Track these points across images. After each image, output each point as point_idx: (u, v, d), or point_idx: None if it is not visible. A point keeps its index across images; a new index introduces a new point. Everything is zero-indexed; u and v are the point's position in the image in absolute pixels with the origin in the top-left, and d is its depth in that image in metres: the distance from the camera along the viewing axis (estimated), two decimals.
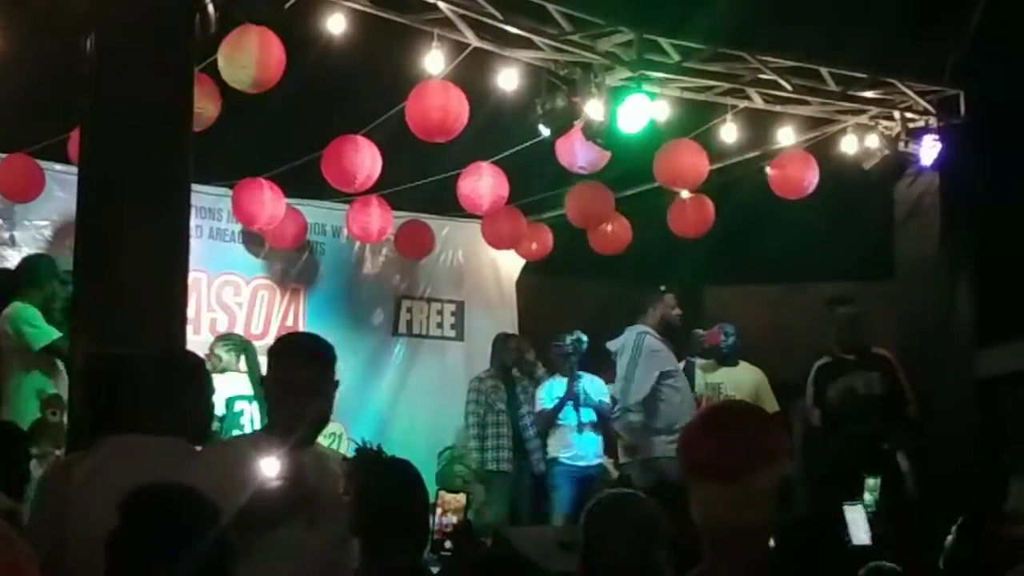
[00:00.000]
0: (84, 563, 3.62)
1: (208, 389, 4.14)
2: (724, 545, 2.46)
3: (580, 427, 8.99)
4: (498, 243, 9.95)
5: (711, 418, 2.61)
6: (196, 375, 4.12)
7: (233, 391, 7.94)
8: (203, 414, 4.08)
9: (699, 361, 9.13)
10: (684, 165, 8.62)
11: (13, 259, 8.22)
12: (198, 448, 3.99)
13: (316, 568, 3.69)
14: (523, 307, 10.47)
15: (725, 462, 2.46)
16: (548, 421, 9.05)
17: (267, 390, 3.88)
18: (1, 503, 4.43)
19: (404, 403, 9.88)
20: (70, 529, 3.70)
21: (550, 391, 9.15)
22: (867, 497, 6.79)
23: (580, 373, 9.04)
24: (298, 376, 3.76)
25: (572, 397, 8.97)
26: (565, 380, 9.10)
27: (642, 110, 7.83)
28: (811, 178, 8.95)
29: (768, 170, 9.19)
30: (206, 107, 7.22)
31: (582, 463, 9.00)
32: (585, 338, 9.02)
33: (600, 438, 9.10)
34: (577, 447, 9.01)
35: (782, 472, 2.46)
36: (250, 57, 7.02)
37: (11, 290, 7.39)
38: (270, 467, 3.58)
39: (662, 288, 8.63)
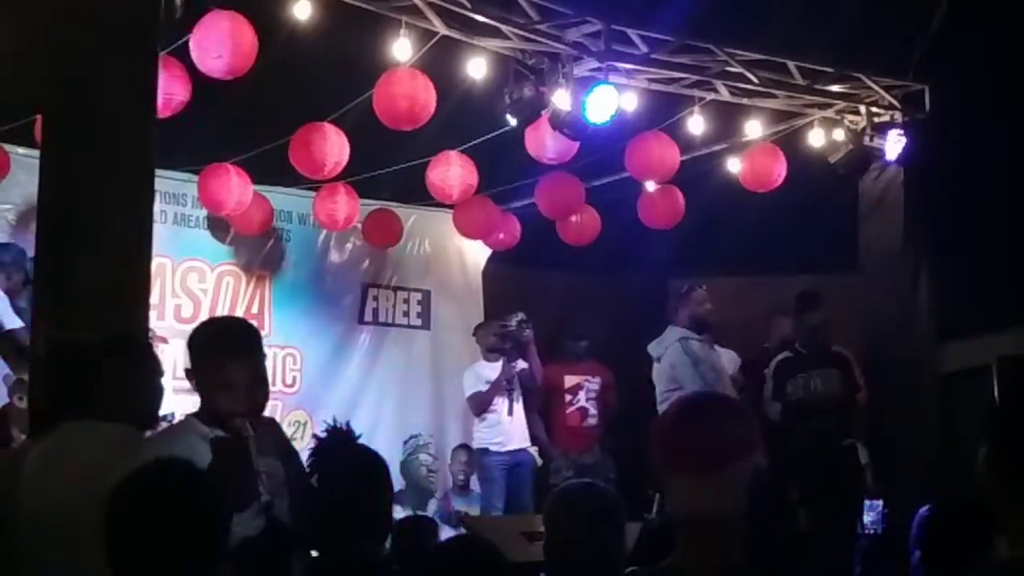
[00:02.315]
0: (35, 550, 3.61)
1: (157, 373, 4.11)
2: (698, 536, 2.47)
3: (511, 411, 9.03)
4: (470, 232, 9.93)
5: (687, 409, 2.60)
6: (144, 359, 4.09)
7: None
8: (152, 399, 4.05)
9: None
10: (655, 157, 8.63)
11: None
12: (147, 435, 3.98)
13: None
14: (489, 297, 10.47)
15: (703, 454, 2.47)
16: (485, 404, 9.07)
17: (198, 382, 3.79)
18: None
19: (369, 391, 9.87)
20: (22, 516, 3.67)
21: (476, 374, 9.18)
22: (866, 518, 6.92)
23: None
24: (234, 373, 3.70)
25: (509, 379, 9.00)
26: (490, 363, 9.17)
27: (609, 101, 7.84)
28: (779, 171, 8.99)
29: (736, 163, 9.23)
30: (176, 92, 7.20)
31: (512, 447, 9.05)
32: (527, 318, 9.06)
33: (525, 423, 9.17)
34: (506, 432, 9.05)
35: (754, 463, 2.47)
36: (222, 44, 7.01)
37: None
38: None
39: (686, 287, 8.57)
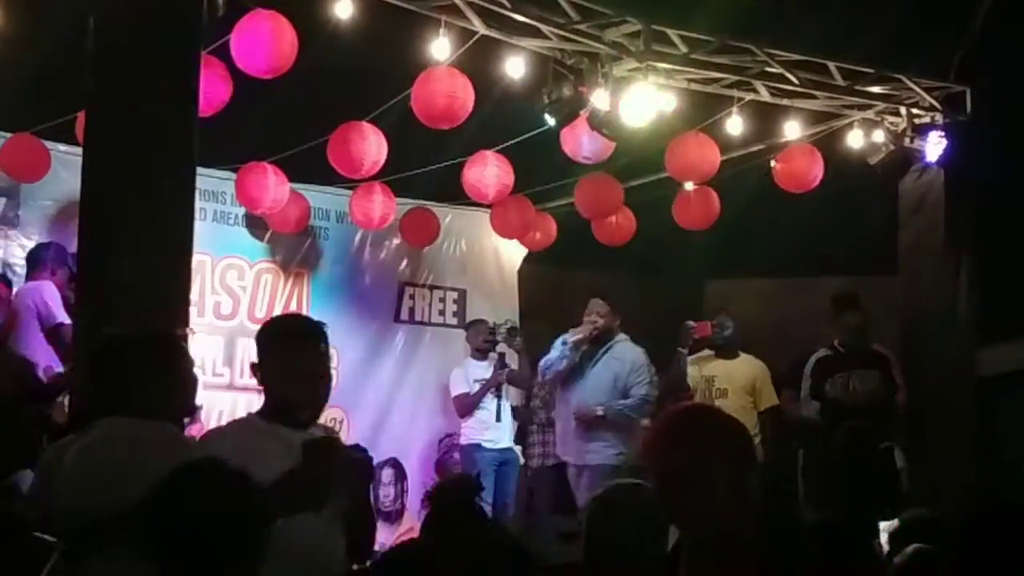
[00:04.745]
0: (76, 544, 3.64)
1: (191, 366, 4.15)
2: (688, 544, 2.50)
3: (499, 415, 9.09)
4: (506, 232, 9.94)
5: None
6: (179, 354, 4.13)
7: None
8: (188, 393, 4.09)
9: (703, 352, 9.20)
10: (695, 158, 8.59)
11: (18, 239, 8.29)
12: (185, 427, 4.03)
13: (317, 549, 3.72)
14: (525, 296, 10.48)
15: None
16: (471, 406, 9.13)
17: (267, 375, 3.85)
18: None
19: (405, 389, 9.90)
20: (63, 511, 3.71)
21: (465, 374, 9.25)
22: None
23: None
24: (307, 361, 3.79)
25: (497, 384, 9.05)
26: (479, 362, 9.25)
27: (649, 101, 7.82)
28: (816, 172, 8.93)
29: (773, 163, 9.18)
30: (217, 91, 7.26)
31: (501, 446, 9.13)
32: (517, 326, 9.18)
33: (511, 425, 9.27)
34: (496, 431, 9.11)
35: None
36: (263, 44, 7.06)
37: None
38: (276, 453, 3.59)
39: None
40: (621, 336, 8.36)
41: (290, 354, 3.82)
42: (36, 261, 7.73)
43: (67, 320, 7.13)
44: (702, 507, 2.44)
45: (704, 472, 2.43)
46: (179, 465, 2.96)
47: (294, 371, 3.78)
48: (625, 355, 8.27)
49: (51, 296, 7.40)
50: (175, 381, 4.01)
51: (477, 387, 9.13)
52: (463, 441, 9.18)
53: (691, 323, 9.11)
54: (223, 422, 5.04)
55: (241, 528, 2.76)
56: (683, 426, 2.57)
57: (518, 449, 9.32)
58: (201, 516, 2.73)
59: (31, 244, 8.15)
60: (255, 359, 3.94)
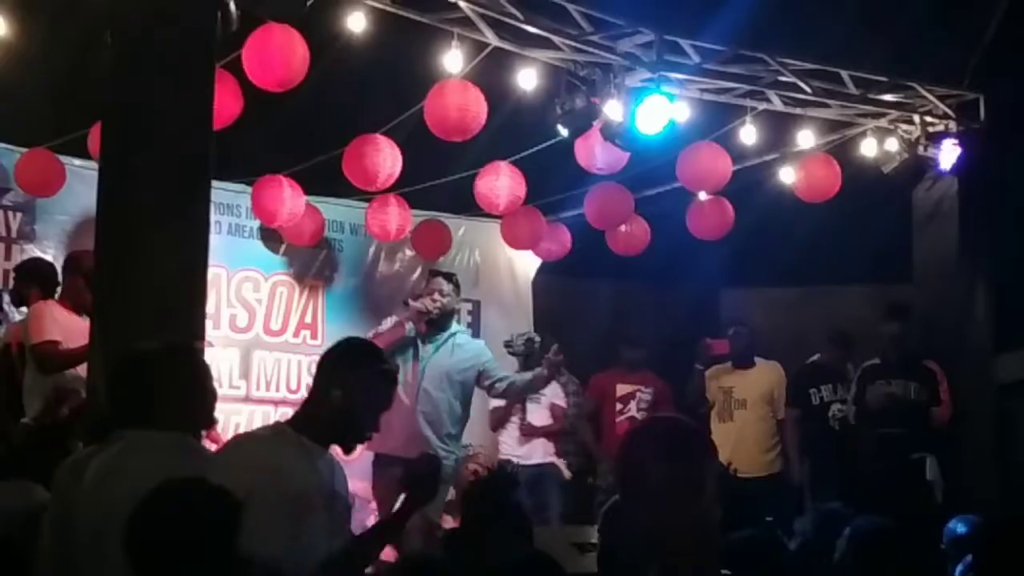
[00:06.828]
0: (94, 558, 3.64)
1: (209, 379, 4.15)
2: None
3: (522, 426, 9.10)
4: (516, 243, 9.94)
5: None
6: (198, 366, 4.14)
7: None
8: (207, 405, 4.10)
9: (721, 365, 9.22)
10: (707, 167, 8.59)
11: (33, 253, 8.30)
12: (204, 442, 4.03)
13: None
14: (539, 307, 10.47)
15: None
16: (502, 420, 9.14)
17: (335, 399, 3.77)
18: (39, 496, 4.42)
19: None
20: (80, 525, 3.71)
21: None
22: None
23: None
24: (380, 392, 3.81)
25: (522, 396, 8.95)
26: None
27: (661, 111, 7.82)
28: (835, 182, 8.90)
29: (790, 172, 9.17)
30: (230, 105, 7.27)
31: (534, 461, 9.09)
32: (537, 338, 8.84)
33: (544, 438, 9.21)
34: (525, 446, 9.10)
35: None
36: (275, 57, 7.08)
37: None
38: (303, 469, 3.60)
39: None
40: (459, 327, 8.11)
41: (368, 386, 3.80)
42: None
43: (40, 339, 6.96)
44: (651, 507, 2.56)
45: (650, 476, 2.58)
46: (161, 483, 2.96)
47: (366, 404, 3.78)
48: (470, 346, 7.94)
49: (39, 313, 7.28)
50: (195, 394, 4.02)
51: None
52: (500, 456, 9.15)
53: (709, 340, 9.11)
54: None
55: (218, 547, 2.77)
56: (635, 437, 2.75)
57: (562, 463, 9.26)
58: (177, 535, 2.74)
59: (47, 258, 8.16)
60: (312, 376, 3.93)
